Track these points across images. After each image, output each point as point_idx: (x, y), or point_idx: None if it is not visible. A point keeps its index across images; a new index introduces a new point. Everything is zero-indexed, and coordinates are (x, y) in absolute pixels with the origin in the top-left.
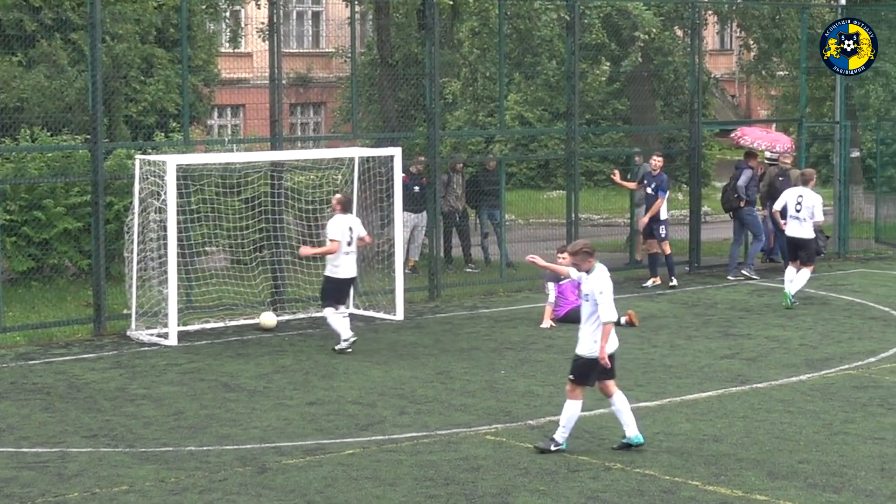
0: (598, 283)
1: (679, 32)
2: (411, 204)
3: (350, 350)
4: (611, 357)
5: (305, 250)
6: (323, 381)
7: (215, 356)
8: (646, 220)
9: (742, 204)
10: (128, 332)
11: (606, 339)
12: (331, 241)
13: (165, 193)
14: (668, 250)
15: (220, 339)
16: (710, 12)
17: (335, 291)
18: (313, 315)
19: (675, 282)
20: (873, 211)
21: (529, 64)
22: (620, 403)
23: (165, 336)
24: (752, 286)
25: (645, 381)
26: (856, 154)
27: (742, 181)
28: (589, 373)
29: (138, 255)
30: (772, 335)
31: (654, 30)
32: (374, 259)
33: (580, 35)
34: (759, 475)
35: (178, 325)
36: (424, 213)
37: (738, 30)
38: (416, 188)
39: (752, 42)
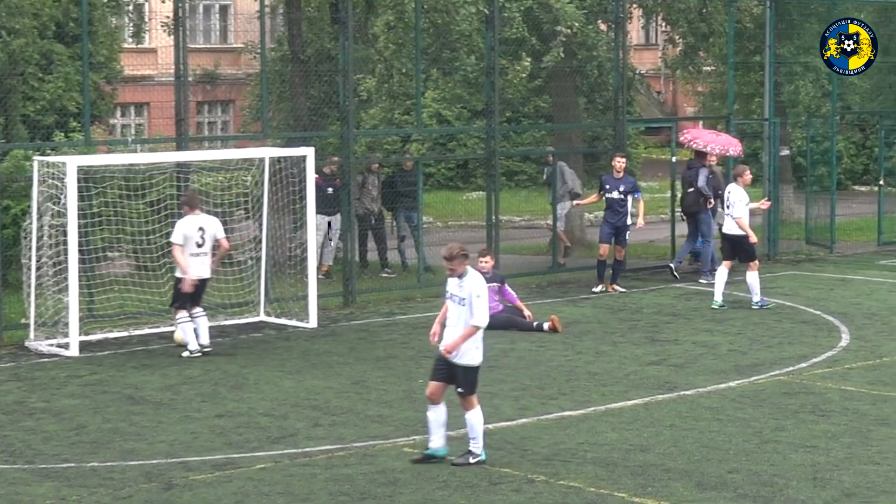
0: (476, 287)
1: (603, 27)
2: (325, 206)
3: (195, 354)
4: (473, 370)
5: (186, 285)
6: (232, 392)
7: (119, 367)
8: (642, 222)
9: (709, 205)
10: (26, 343)
11: (466, 339)
12: (172, 244)
13: (65, 196)
14: (622, 256)
15: (123, 349)
16: (634, 6)
17: (182, 293)
18: (222, 323)
19: (621, 288)
20: (804, 211)
21: (447, 60)
22: (441, 415)
23: (66, 346)
24: (679, 289)
25: (569, 389)
26: (785, 152)
27: (702, 182)
28: (476, 380)
29: (37, 261)
30: (700, 340)
31: (577, 24)
32: (285, 264)
33: (500, 29)
34: (688, 486)
35: (80, 335)
36: (338, 216)
37: (664, 24)
38: (330, 190)
39: (677, 37)
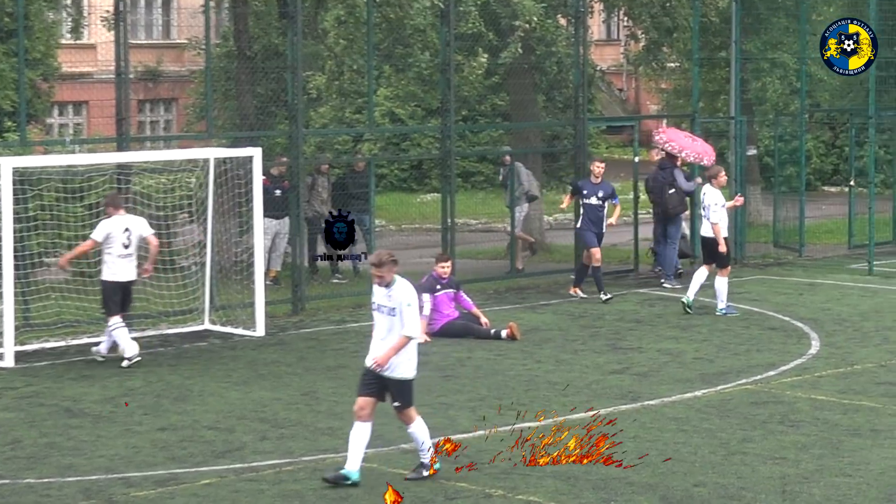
0: (406, 295)
1: (562, 21)
2: (272, 209)
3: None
4: (407, 382)
5: (62, 260)
6: (175, 404)
7: (56, 378)
8: (613, 221)
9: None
10: None
11: (397, 351)
12: (90, 239)
13: (0, 200)
14: (590, 262)
15: (61, 360)
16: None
17: (112, 296)
18: (164, 332)
19: (582, 294)
20: (772, 213)
21: (400, 56)
22: (366, 435)
23: (0, 357)
24: (642, 295)
25: (528, 400)
26: (752, 152)
27: (684, 182)
28: (412, 393)
29: None
30: (664, 348)
31: (536, 18)
32: (231, 270)
33: (455, 24)
34: (652, 499)
35: (15, 345)
36: (287, 220)
37: (626, 18)
38: (278, 192)
39: (640, 32)
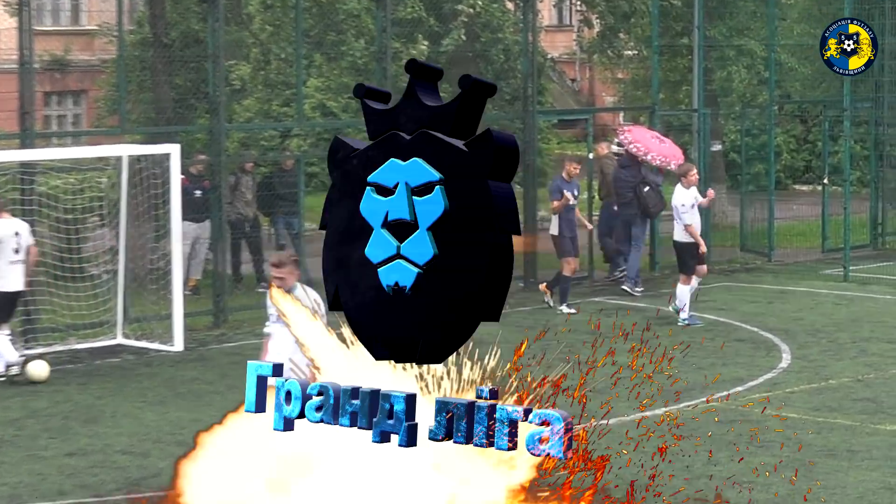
0: (311, 303)
1: (510, 5)
2: (192, 211)
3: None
4: None
5: None
6: (85, 426)
7: None
8: (589, 226)
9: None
10: None
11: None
12: None
13: None
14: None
15: None
16: None
17: (2, 307)
18: (73, 347)
19: (549, 300)
20: (738, 214)
21: (333, 43)
22: None
23: None
24: (598, 304)
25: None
26: (717, 147)
27: (657, 177)
28: None
29: None
30: (622, 362)
31: (481, 2)
32: (147, 278)
33: (393, 8)
34: None
35: None
36: (208, 223)
37: (579, 2)
38: (198, 193)
39: (594, 17)
